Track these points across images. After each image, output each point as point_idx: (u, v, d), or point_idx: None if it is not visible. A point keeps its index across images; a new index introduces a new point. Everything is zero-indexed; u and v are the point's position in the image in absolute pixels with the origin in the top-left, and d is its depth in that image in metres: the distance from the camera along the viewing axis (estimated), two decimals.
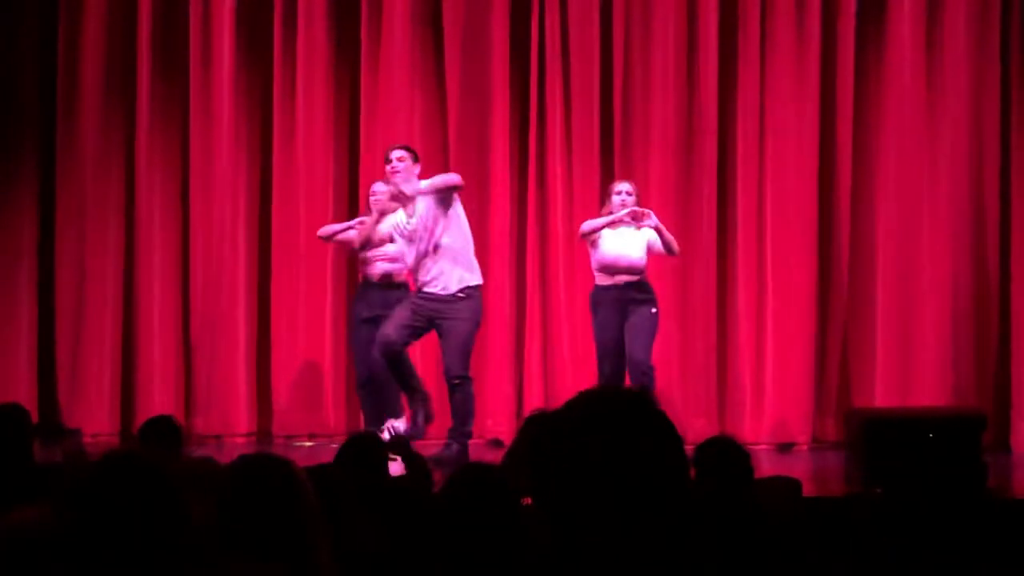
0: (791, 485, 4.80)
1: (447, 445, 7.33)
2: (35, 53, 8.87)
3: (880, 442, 6.35)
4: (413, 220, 7.33)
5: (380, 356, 7.33)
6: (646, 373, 7.67)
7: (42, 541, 2.02)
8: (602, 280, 7.73)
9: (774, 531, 3.92)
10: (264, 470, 2.40)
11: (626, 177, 8.59)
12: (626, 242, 7.69)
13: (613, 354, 7.68)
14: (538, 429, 4.09)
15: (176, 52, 8.85)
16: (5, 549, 2.05)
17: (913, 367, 8.39)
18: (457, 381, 7.27)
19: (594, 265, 7.77)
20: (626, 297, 7.64)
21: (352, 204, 8.67)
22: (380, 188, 7.94)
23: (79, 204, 8.79)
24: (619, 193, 7.77)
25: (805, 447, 8.38)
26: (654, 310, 7.70)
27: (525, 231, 8.73)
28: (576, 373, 8.57)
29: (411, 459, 4.96)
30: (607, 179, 8.65)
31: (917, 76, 8.45)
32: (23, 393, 8.30)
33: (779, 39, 8.57)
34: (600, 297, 7.73)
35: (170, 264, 8.84)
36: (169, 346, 8.78)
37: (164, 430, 4.55)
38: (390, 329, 7.31)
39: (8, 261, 8.82)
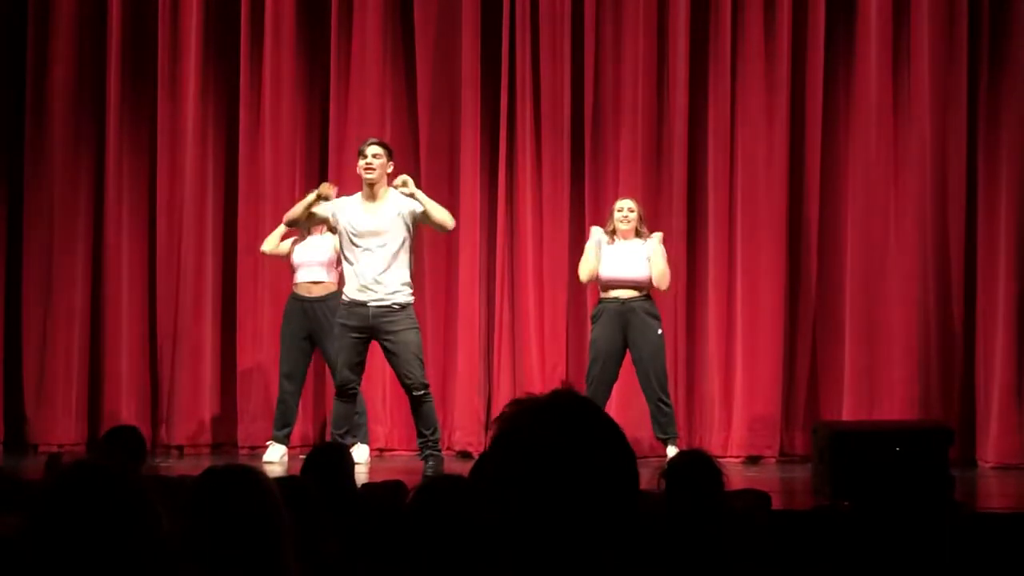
0: (760, 498, 4.80)
1: (432, 456, 7.22)
2: (2, 59, 8.81)
3: (847, 455, 6.36)
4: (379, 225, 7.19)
5: (339, 397, 7.28)
6: (667, 402, 7.68)
7: (11, 552, 1.99)
8: (604, 294, 7.74)
9: (744, 544, 3.92)
10: (234, 481, 2.38)
11: (595, 187, 8.62)
12: (626, 256, 7.70)
13: (605, 360, 7.69)
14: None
15: (144, 63, 8.82)
16: None
17: (880, 381, 8.42)
18: (423, 391, 7.21)
19: (598, 283, 7.79)
20: (628, 308, 7.65)
21: None
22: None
23: (46, 214, 8.73)
24: (620, 210, 7.79)
25: (773, 460, 8.40)
26: (660, 331, 7.72)
27: (495, 240, 8.72)
28: (545, 386, 8.54)
29: None
30: (577, 188, 8.67)
31: (884, 92, 8.49)
32: None
33: (749, 52, 8.59)
34: (602, 308, 7.73)
35: (137, 274, 8.79)
36: (136, 357, 8.73)
37: (127, 440, 4.50)
38: (344, 371, 7.21)
39: None
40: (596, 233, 7.83)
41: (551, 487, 1.66)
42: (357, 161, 7.26)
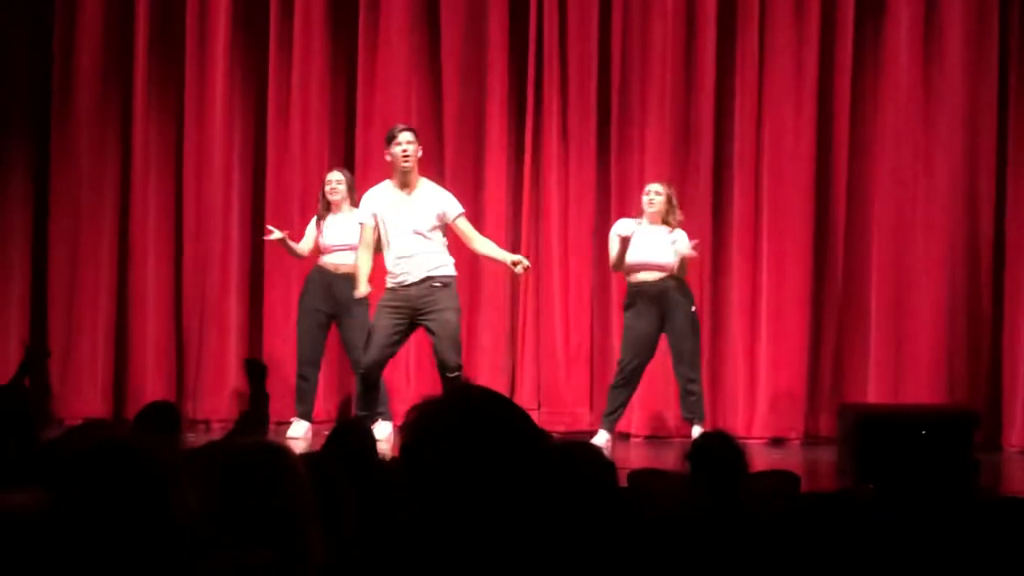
0: (789, 480, 4.79)
1: None
2: (30, 37, 8.83)
3: (873, 438, 6.35)
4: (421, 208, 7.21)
5: (362, 381, 7.27)
6: (693, 382, 7.66)
7: (35, 526, 2.00)
8: (634, 278, 7.71)
9: (767, 526, 3.92)
10: (260, 457, 2.38)
11: (622, 169, 8.59)
12: (652, 241, 7.69)
13: (643, 346, 7.66)
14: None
15: (172, 37, 8.83)
16: None
17: (906, 364, 8.39)
18: (457, 372, 7.22)
19: (624, 269, 7.77)
20: (661, 289, 7.62)
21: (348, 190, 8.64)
22: (336, 177, 7.96)
23: (73, 190, 8.76)
24: (647, 193, 7.80)
25: (797, 442, 8.38)
26: (693, 308, 7.71)
27: (520, 222, 8.71)
28: (568, 369, 8.57)
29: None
30: (603, 169, 8.65)
31: (914, 75, 8.44)
32: None
33: (777, 35, 8.55)
34: (636, 291, 7.69)
35: (163, 249, 8.82)
36: (162, 332, 8.77)
37: (162, 416, 4.52)
38: (374, 352, 7.22)
39: (0, 247, 8.79)
40: (618, 226, 7.82)
41: (465, 479, 1.65)
42: (386, 146, 7.27)
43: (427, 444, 1.71)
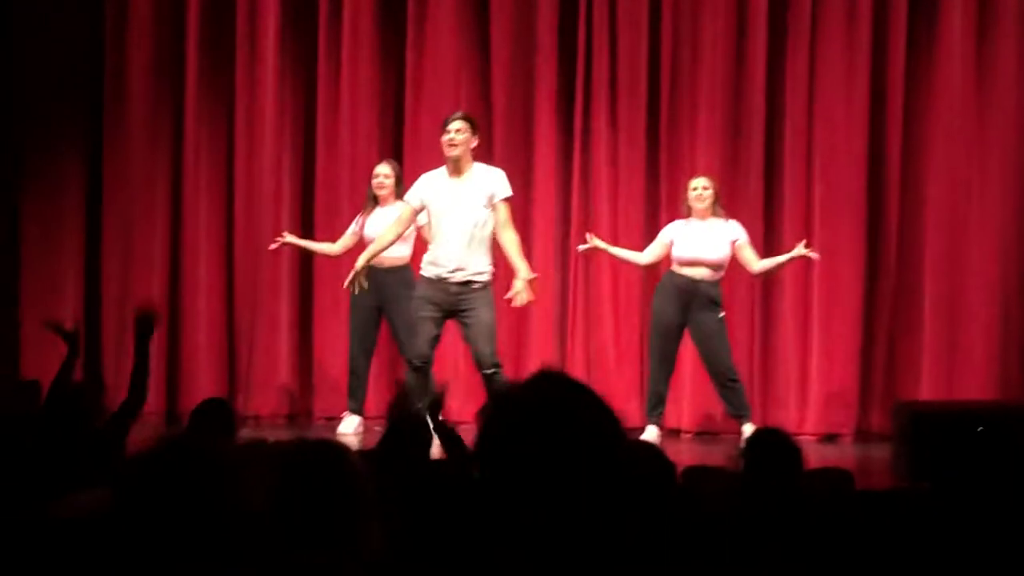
0: (843, 477, 4.76)
1: None
2: (83, 28, 8.89)
3: (928, 436, 6.28)
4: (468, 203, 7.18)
5: (413, 372, 7.26)
6: (734, 380, 7.63)
7: (98, 526, 2.01)
8: (676, 267, 7.70)
9: (822, 523, 3.88)
10: (319, 455, 2.39)
11: (673, 163, 8.56)
12: (705, 236, 7.66)
13: (665, 334, 7.68)
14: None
15: (222, 34, 8.87)
16: (63, 532, 2.05)
17: (960, 359, 8.31)
18: (493, 370, 7.20)
19: (673, 255, 7.74)
20: (692, 290, 7.60)
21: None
22: (384, 171, 7.95)
23: (126, 186, 8.83)
24: (694, 189, 7.78)
25: (849, 439, 8.32)
26: (721, 315, 7.67)
27: (569, 213, 8.69)
28: (618, 364, 8.54)
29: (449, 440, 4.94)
30: (652, 160, 8.61)
31: (967, 65, 8.36)
32: None
33: (830, 25, 8.48)
34: (667, 282, 7.71)
35: (215, 245, 8.87)
36: (214, 327, 8.82)
37: (218, 412, 4.54)
38: (422, 345, 7.21)
39: (54, 241, 8.87)
40: (669, 229, 7.80)
41: (547, 471, 1.63)
42: (440, 135, 7.23)
43: (513, 433, 1.68)
